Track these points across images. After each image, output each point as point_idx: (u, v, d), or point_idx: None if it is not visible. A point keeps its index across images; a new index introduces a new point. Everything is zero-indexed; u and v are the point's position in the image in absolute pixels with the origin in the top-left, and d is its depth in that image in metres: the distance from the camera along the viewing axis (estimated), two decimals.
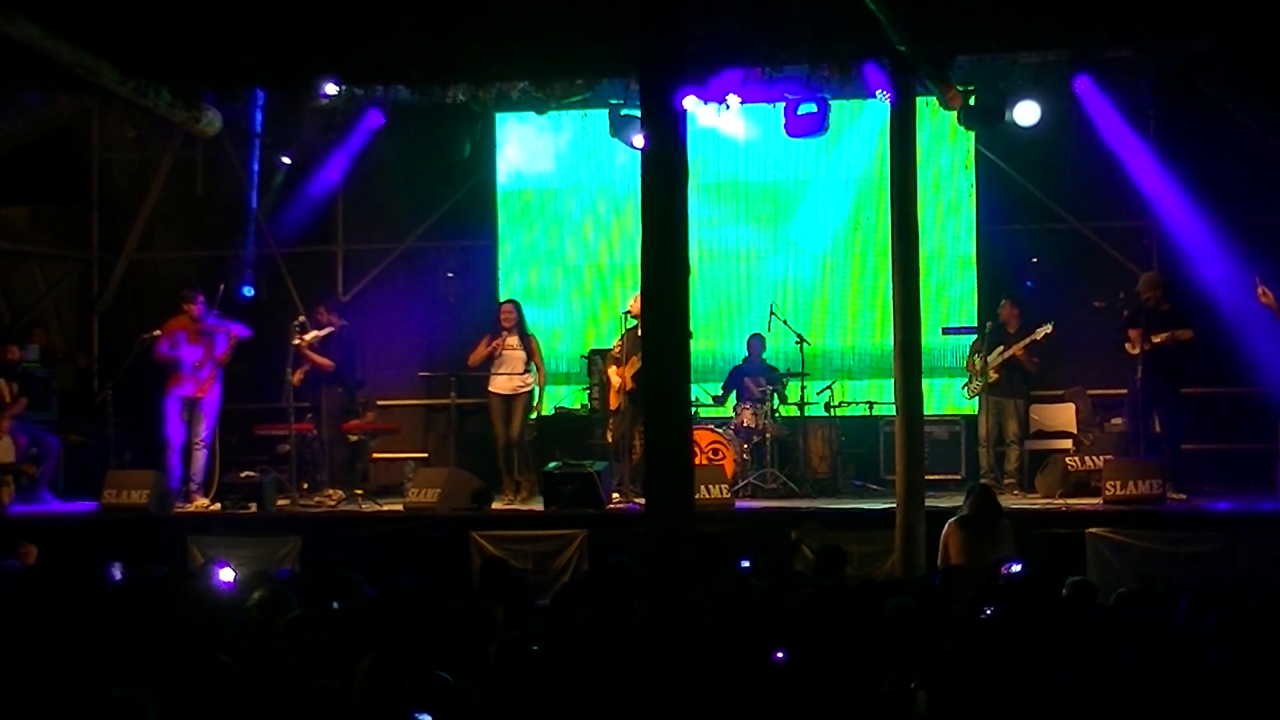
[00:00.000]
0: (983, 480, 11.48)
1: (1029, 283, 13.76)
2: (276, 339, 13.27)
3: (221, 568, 8.45)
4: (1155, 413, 11.82)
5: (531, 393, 12.86)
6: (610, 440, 12.76)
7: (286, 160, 13.92)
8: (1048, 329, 12.34)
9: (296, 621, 6.82)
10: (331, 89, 12.55)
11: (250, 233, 14.89)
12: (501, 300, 13.44)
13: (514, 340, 12.76)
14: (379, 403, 14.38)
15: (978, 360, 12.76)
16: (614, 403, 12.72)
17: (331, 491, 12.83)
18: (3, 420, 13.15)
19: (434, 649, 6.38)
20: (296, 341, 12.86)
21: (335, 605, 7.75)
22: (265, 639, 6.84)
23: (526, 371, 12.78)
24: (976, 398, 12.88)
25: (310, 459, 13.22)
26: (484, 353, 12.78)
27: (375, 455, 13.97)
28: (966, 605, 7.54)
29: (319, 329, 13.12)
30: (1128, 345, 11.83)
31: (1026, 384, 12.79)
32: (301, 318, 13.41)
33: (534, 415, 13.18)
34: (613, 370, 12.72)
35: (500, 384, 12.81)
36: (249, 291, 13.72)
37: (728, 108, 12.71)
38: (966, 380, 12.94)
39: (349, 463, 13.30)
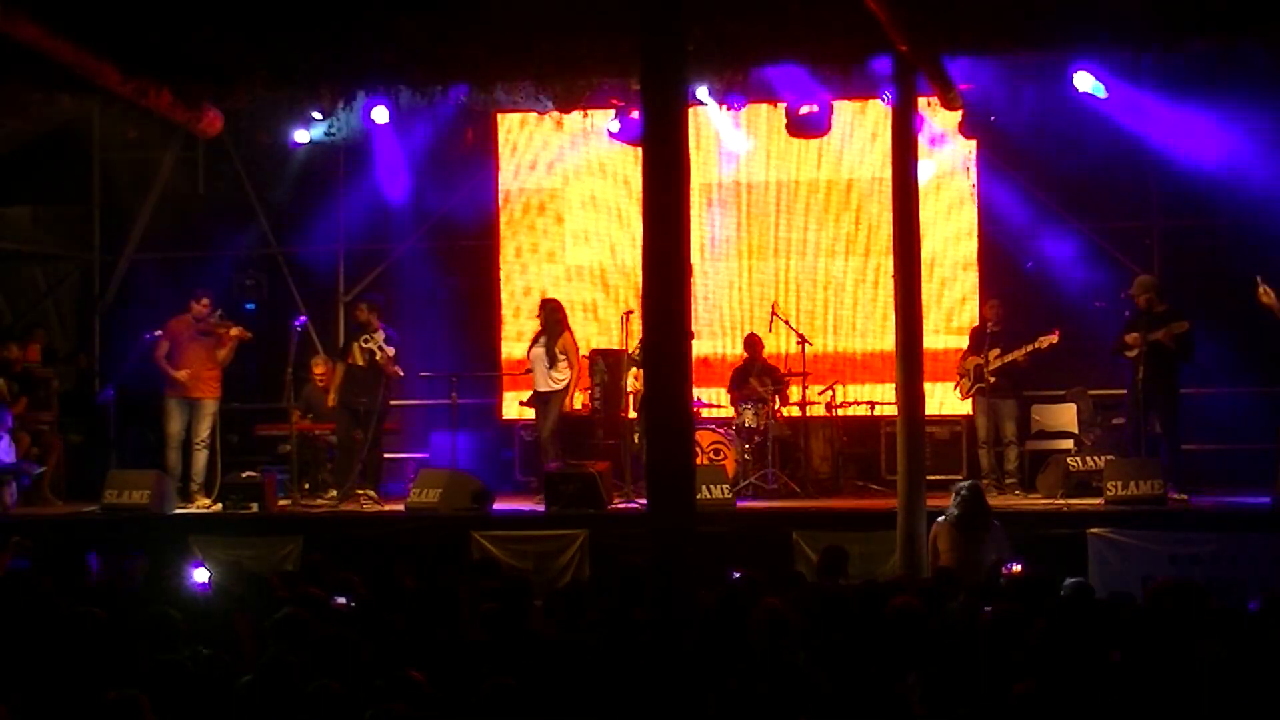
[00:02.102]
0: (972, 480, 11.36)
1: (1029, 263, 13.76)
2: (277, 339, 13.28)
3: (196, 568, 8.44)
4: (1154, 413, 11.81)
5: (558, 392, 12.88)
6: (636, 442, 12.64)
7: (303, 135, 13.80)
8: (1053, 339, 12.29)
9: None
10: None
11: (252, 235, 14.99)
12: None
13: (538, 350, 12.91)
14: None
15: (971, 362, 12.75)
16: (635, 405, 12.66)
17: (366, 491, 12.72)
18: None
19: (433, 649, 6.39)
20: (393, 369, 12.72)
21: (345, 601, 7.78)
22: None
23: (552, 370, 12.80)
24: (970, 399, 12.88)
25: (342, 462, 13.10)
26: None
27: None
28: (961, 605, 7.53)
29: (370, 333, 12.93)
30: (1126, 347, 11.81)
31: (1020, 385, 12.79)
32: (303, 318, 13.42)
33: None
34: (632, 375, 12.71)
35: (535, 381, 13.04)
36: (250, 307, 13.72)
37: (729, 108, 12.72)
38: (959, 380, 12.94)
39: (351, 463, 13.22)
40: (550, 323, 12.97)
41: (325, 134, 13.38)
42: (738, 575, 8.22)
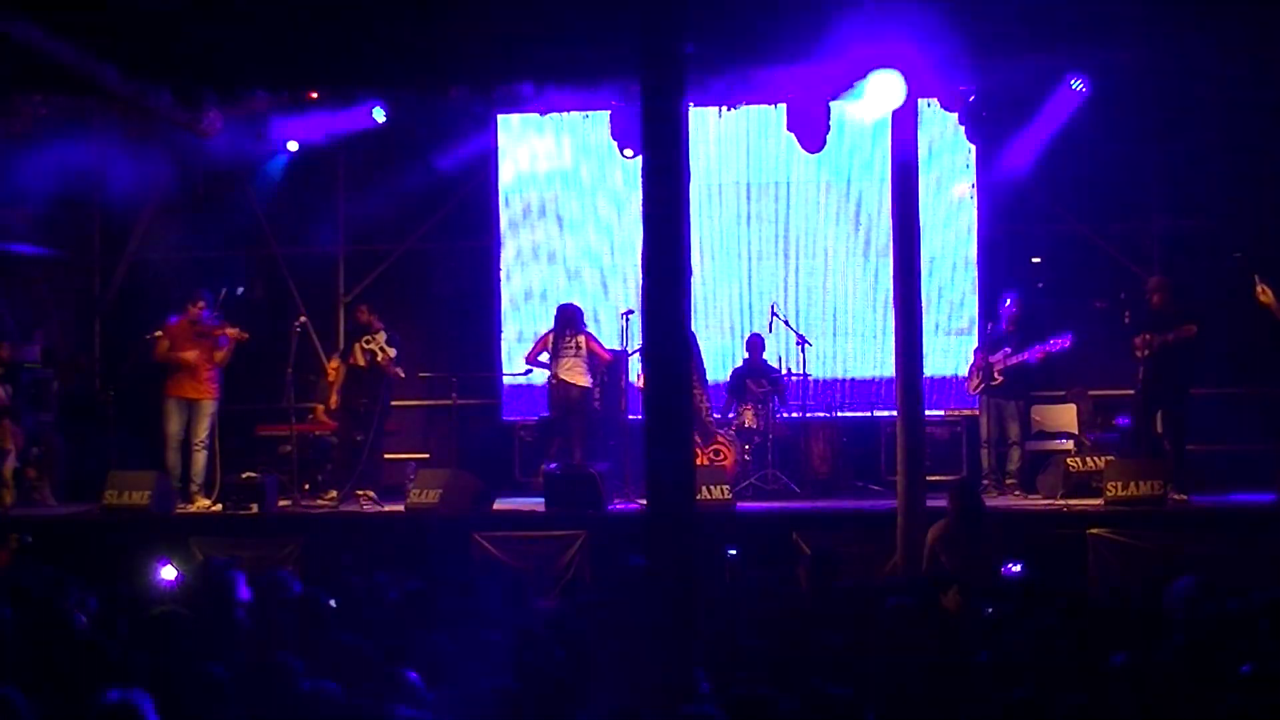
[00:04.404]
0: (962, 477, 11.30)
1: (1039, 283, 13.75)
2: (276, 339, 13.29)
3: (163, 566, 8.40)
4: (1159, 414, 11.79)
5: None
6: None
7: (294, 146, 13.84)
8: (1065, 344, 12.27)
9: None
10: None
11: (252, 235, 15.01)
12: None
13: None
14: None
15: (982, 359, 12.73)
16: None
17: (366, 492, 12.76)
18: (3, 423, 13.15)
19: (434, 649, 6.39)
20: (395, 370, 12.77)
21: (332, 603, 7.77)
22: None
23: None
24: (976, 397, 12.87)
25: (342, 462, 13.10)
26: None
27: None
28: (963, 606, 7.54)
29: (370, 334, 12.96)
30: (1136, 352, 11.80)
31: (1028, 385, 12.79)
32: (303, 318, 13.43)
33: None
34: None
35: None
36: (238, 291, 13.75)
37: (729, 108, 12.73)
38: (968, 377, 12.93)
39: (353, 464, 13.18)
40: (565, 326, 13.02)
41: (324, 135, 13.44)
42: (733, 552, 8.29)
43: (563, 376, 12.87)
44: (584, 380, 12.90)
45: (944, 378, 13.75)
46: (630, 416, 13.09)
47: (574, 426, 12.91)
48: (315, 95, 11.95)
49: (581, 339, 12.91)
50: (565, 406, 12.93)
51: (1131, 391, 12.14)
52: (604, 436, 13.21)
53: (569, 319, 12.99)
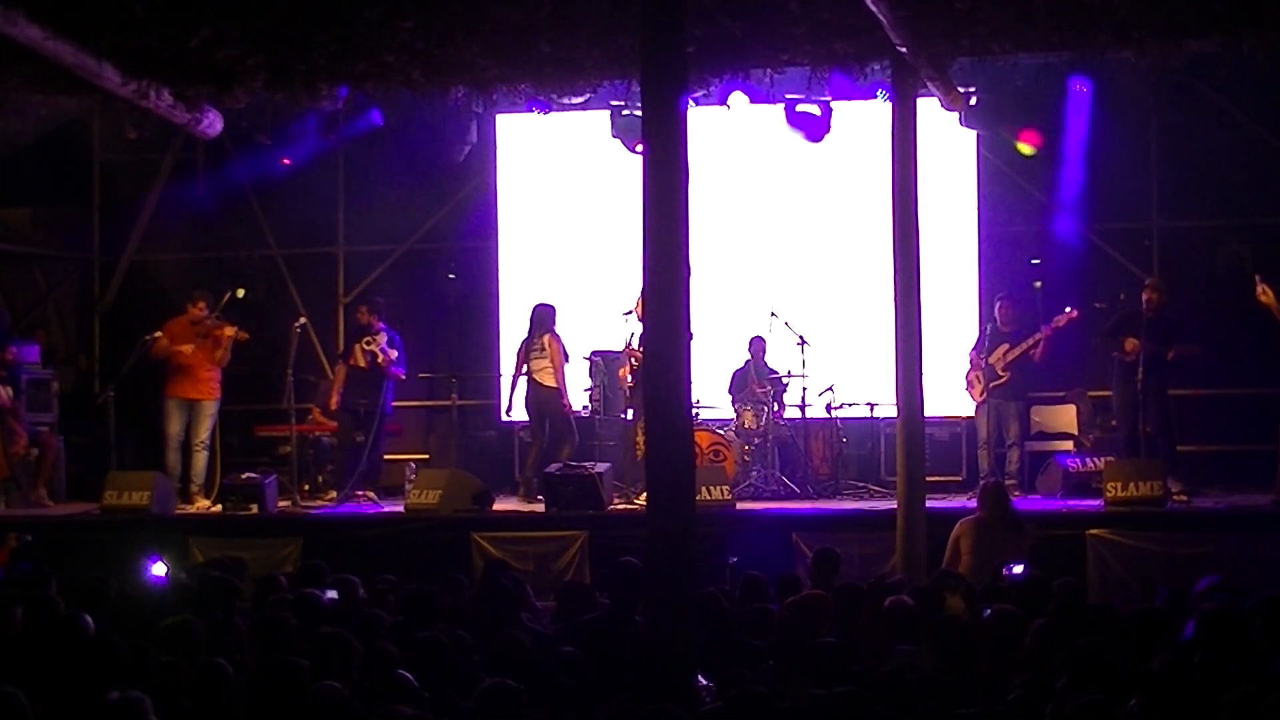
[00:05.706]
0: (996, 479, 11.27)
1: (1038, 283, 13.77)
2: (276, 339, 13.30)
3: (154, 562, 8.41)
4: (1148, 414, 11.77)
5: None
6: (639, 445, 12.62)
7: (286, 161, 13.93)
8: (1072, 315, 12.28)
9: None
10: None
11: (252, 235, 15.01)
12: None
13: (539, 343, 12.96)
14: None
15: (983, 363, 12.71)
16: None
17: (366, 492, 12.77)
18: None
19: (434, 649, 6.40)
20: (395, 372, 12.79)
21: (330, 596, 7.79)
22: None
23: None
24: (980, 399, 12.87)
25: (341, 463, 13.11)
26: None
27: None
28: (965, 606, 7.55)
29: (370, 335, 12.98)
30: (1121, 347, 11.78)
31: (1028, 385, 12.79)
32: (303, 318, 13.44)
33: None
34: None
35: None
36: (240, 293, 13.83)
37: (729, 108, 12.72)
38: (969, 385, 12.90)
39: (353, 465, 13.17)
40: (535, 327, 13.05)
41: (325, 134, 13.44)
42: (734, 560, 8.31)
43: (534, 377, 12.90)
44: (550, 381, 12.91)
45: (943, 379, 13.72)
46: (629, 417, 13.09)
47: (549, 429, 12.92)
48: (319, 94, 11.92)
49: (547, 339, 12.94)
50: (537, 408, 12.95)
51: (1109, 393, 12.15)
52: (604, 436, 13.21)
53: (538, 320, 13.08)
